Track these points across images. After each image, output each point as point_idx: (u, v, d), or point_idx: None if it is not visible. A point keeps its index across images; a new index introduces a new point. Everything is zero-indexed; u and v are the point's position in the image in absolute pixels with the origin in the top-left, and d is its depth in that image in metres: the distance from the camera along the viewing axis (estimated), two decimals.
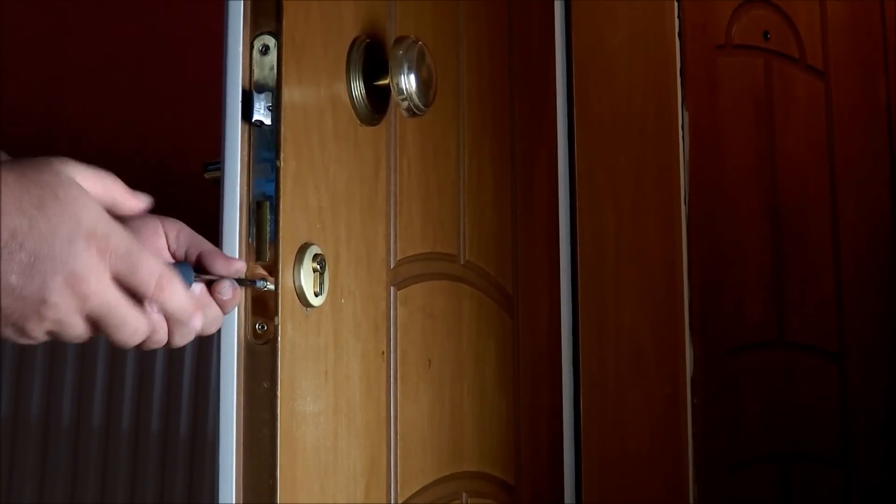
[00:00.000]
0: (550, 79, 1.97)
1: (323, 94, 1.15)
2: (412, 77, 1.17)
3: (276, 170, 1.05)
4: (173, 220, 0.93)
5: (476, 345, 1.55)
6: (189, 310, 0.83)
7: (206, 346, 2.13)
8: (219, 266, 0.92)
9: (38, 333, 0.76)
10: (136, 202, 0.83)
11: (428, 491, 1.36)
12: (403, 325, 1.30)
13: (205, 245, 0.93)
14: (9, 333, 0.76)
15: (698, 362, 1.90)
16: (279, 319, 1.03)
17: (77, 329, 0.77)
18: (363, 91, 1.20)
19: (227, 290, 0.90)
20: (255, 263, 1.04)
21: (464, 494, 1.50)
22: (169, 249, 0.92)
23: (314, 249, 1.09)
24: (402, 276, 1.31)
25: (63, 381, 2.11)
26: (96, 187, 0.79)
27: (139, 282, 0.79)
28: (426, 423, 1.36)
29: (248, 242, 1.04)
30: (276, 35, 1.06)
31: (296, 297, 1.06)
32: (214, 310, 0.90)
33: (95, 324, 0.78)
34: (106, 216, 0.78)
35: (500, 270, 1.68)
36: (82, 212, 0.75)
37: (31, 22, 2.30)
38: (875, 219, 2.33)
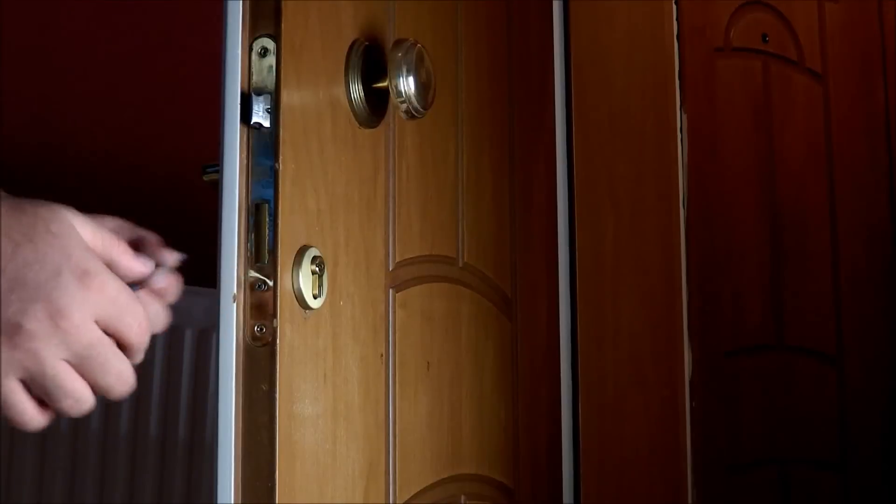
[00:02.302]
0: (549, 81, 1.97)
1: (322, 97, 1.15)
2: (411, 79, 1.17)
3: (275, 172, 1.05)
4: (111, 217, 0.84)
5: (475, 347, 1.55)
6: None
7: (205, 348, 2.14)
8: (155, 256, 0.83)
9: (6, 367, 0.69)
10: (137, 266, 0.78)
11: (427, 493, 1.36)
12: (402, 328, 1.30)
13: (138, 232, 0.85)
14: None
15: (697, 365, 1.89)
16: (278, 322, 1.03)
17: (59, 369, 0.70)
18: (362, 94, 1.20)
19: (159, 280, 0.81)
20: (253, 266, 1.04)
21: (462, 497, 1.50)
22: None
23: (313, 252, 1.09)
24: (401, 279, 1.31)
25: None
26: (94, 241, 0.75)
27: (123, 327, 0.74)
28: (425, 425, 1.36)
29: (246, 245, 1.04)
30: (275, 37, 1.06)
31: (294, 299, 1.06)
32: (156, 306, 0.81)
33: (77, 367, 0.71)
34: (98, 260, 0.73)
35: (498, 273, 1.68)
36: (74, 248, 0.72)
37: (28, 25, 2.30)
38: (873, 222, 2.33)
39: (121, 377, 0.74)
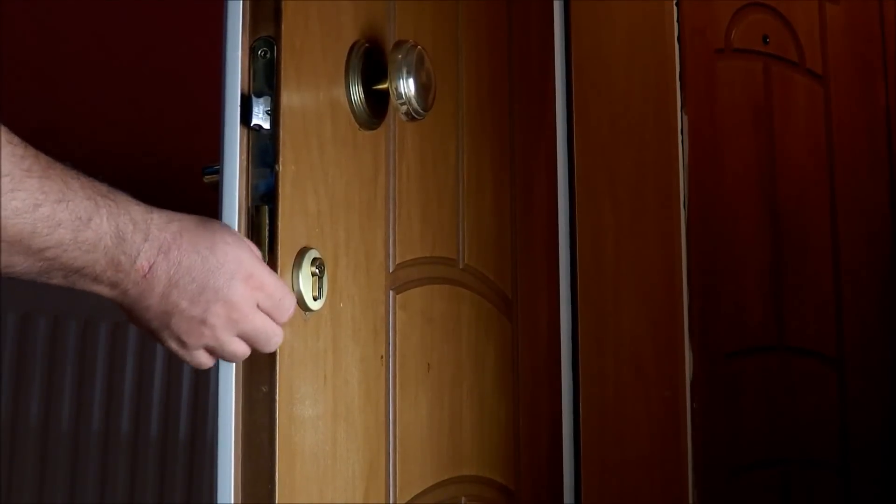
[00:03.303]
0: (550, 82, 1.97)
1: (322, 99, 1.15)
2: (411, 81, 1.17)
3: (275, 174, 1.05)
4: None
5: (475, 349, 1.55)
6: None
7: None
8: None
9: (197, 347, 0.96)
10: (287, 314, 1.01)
11: (427, 495, 1.36)
12: (402, 330, 1.30)
13: None
14: (172, 345, 0.96)
15: (698, 366, 1.89)
16: None
17: (233, 345, 0.97)
18: (362, 95, 1.20)
19: None
20: None
21: (463, 498, 1.50)
22: None
23: (313, 253, 1.08)
24: (401, 280, 1.31)
25: (63, 385, 2.11)
26: (253, 248, 1.00)
27: (279, 313, 1.00)
28: (425, 427, 1.36)
29: None
30: (276, 39, 1.06)
31: (294, 301, 1.06)
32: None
33: (245, 339, 0.98)
34: (261, 263, 0.98)
35: (499, 274, 1.68)
36: (244, 256, 0.96)
37: (29, 25, 2.30)
38: (874, 223, 2.33)
39: (270, 341, 1.00)
